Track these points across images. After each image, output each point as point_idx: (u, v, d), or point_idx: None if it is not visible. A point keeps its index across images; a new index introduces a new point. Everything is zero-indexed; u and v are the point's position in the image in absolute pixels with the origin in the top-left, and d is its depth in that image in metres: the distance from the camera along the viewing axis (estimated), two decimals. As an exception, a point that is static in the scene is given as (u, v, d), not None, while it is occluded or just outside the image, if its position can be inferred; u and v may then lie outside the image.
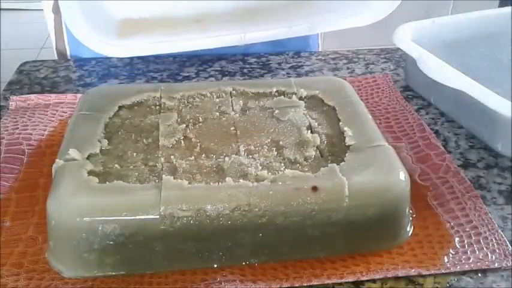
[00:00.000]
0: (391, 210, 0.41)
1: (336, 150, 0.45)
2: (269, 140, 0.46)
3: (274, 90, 0.53)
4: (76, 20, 0.65)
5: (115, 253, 0.39)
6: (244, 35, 0.66)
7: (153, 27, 0.69)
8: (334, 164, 0.42)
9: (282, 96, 0.53)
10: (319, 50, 0.86)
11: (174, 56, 0.74)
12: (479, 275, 0.40)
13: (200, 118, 0.49)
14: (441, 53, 0.59)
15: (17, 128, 0.56)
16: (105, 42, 0.66)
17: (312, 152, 0.44)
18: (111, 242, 0.38)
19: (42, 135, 0.55)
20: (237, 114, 0.50)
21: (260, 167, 0.42)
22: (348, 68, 0.73)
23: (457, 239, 0.43)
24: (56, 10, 0.76)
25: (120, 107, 0.50)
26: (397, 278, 0.40)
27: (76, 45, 0.77)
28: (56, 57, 0.79)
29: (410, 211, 0.44)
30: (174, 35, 0.68)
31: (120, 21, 0.70)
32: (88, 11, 0.66)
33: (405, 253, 0.42)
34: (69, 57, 0.78)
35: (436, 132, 0.58)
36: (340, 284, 0.40)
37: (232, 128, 0.48)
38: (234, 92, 0.53)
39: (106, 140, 0.46)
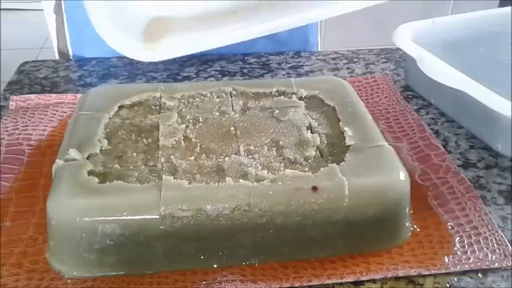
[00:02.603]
0: (391, 210, 0.41)
1: (336, 150, 0.45)
2: (269, 140, 0.46)
3: (274, 90, 0.53)
4: (105, 25, 0.61)
5: (115, 253, 0.39)
6: (270, 23, 0.63)
7: (184, 26, 0.66)
8: (334, 164, 0.42)
9: (282, 96, 0.53)
10: (319, 49, 0.86)
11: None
12: (479, 275, 0.40)
13: (200, 118, 0.49)
14: (441, 53, 0.59)
15: (17, 128, 0.56)
16: (138, 47, 0.62)
17: (312, 152, 0.44)
18: (111, 242, 0.38)
19: (42, 135, 0.55)
20: (237, 114, 0.50)
21: (260, 167, 0.42)
22: (348, 68, 0.73)
23: (457, 239, 0.43)
24: (58, 10, 0.76)
25: (120, 107, 0.50)
26: (397, 278, 0.40)
27: (79, 45, 0.77)
28: (56, 57, 0.79)
29: (411, 211, 0.44)
30: (209, 29, 0.64)
31: (150, 21, 0.66)
32: (116, 14, 0.62)
33: (405, 253, 0.42)
34: (71, 58, 0.77)
35: (436, 132, 0.58)
36: (340, 284, 0.39)
37: (232, 128, 0.48)
38: (234, 92, 0.53)
39: (106, 140, 0.46)
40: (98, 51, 0.74)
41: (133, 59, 0.73)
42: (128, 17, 0.65)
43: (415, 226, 0.44)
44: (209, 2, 0.68)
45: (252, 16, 0.66)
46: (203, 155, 0.44)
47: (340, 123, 0.48)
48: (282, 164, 0.43)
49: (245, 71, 0.71)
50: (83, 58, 0.75)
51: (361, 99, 0.53)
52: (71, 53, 0.77)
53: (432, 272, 0.40)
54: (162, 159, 0.43)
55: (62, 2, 0.75)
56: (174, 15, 0.67)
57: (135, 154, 0.44)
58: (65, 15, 0.76)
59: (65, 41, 0.77)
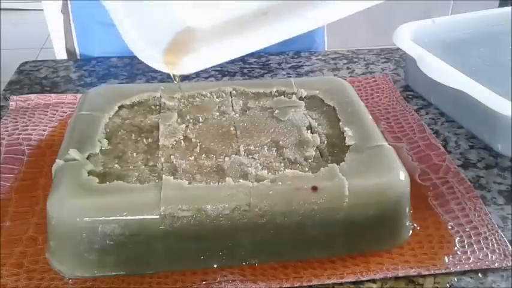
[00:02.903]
0: (391, 210, 0.41)
1: (336, 150, 0.45)
2: (269, 140, 0.46)
3: (274, 90, 0.53)
4: (128, 29, 0.59)
5: (115, 253, 0.39)
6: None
7: (212, 35, 0.65)
8: (334, 164, 0.42)
9: (282, 96, 0.53)
10: (325, 49, 0.85)
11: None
12: (479, 275, 0.40)
13: (200, 118, 0.49)
14: (441, 53, 0.59)
15: (17, 128, 0.56)
16: (160, 58, 0.60)
17: (312, 152, 0.44)
18: (111, 242, 0.38)
19: (42, 135, 0.55)
20: (237, 114, 0.50)
21: (260, 167, 0.42)
22: (348, 68, 0.73)
23: (457, 239, 0.43)
24: (65, 10, 0.76)
25: (120, 107, 0.50)
26: (397, 278, 0.40)
27: (86, 45, 0.77)
28: (55, 57, 0.79)
29: (411, 211, 0.44)
30: (239, 34, 0.63)
31: (178, 31, 0.65)
32: (139, 19, 0.61)
33: (405, 253, 0.42)
34: (78, 57, 0.78)
35: (436, 132, 0.58)
36: (340, 284, 0.39)
37: (232, 128, 0.48)
38: (234, 92, 0.53)
39: (106, 140, 0.46)
40: (104, 50, 0.74)
41: (132, 59, 0.73)
42: (154, 26, 0.63)
43: (415, 225, 0.44)
44: (238, 6, 0.67)
45: (283, 16, 0.64)
46: (203, 155, 0.44)
47: (340, 123, 0.48)
48: (282, 164, 0.43)
49: (245, 71, 0.71)
50: (90, 57, 0.75)
51: (361, 99, 0.53)
52: (78, 52, 0.78)
53: (432, 272, 0.40)
54: (162, 159, 0.43)
55: (69, 2, 0.75)
56: (202, 26, 0.66)
57: (135, 154, 0.44)
58: (71, 15, 0.76)
59: (72, 40, 0.77)
